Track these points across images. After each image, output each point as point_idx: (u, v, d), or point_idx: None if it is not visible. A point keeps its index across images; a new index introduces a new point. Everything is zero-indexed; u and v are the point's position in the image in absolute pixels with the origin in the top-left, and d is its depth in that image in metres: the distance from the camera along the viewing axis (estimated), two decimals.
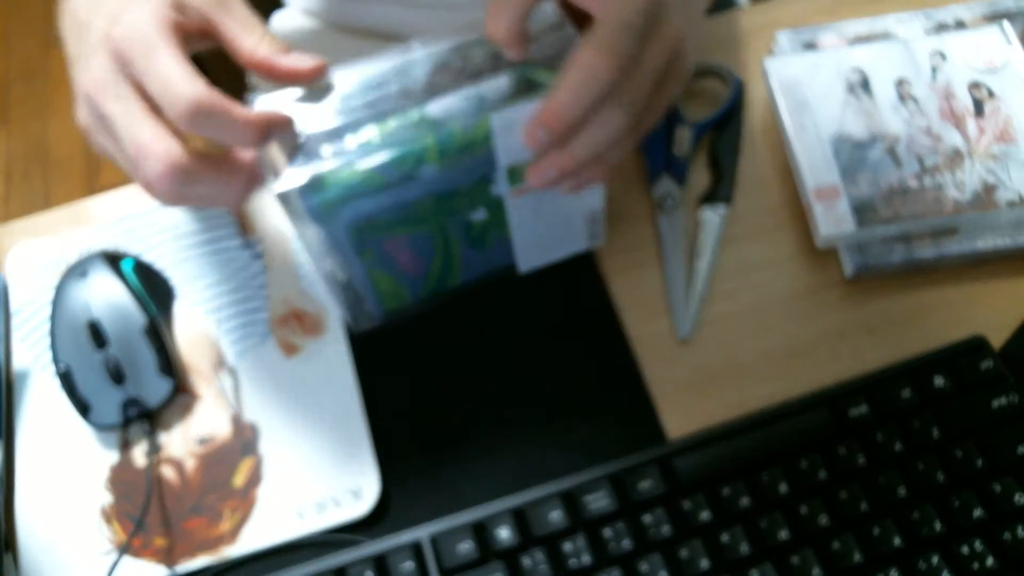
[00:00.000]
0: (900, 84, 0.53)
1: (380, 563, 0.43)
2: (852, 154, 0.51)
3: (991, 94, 0.52)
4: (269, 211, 0.55)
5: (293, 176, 0.37)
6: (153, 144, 0.36)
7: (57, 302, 0.50)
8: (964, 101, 0.52)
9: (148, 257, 0.54)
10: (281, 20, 0.78)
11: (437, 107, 0.39)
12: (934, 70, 0.53)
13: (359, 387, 0.50)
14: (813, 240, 0.52)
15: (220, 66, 0.56)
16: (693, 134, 0.55)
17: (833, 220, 0.50)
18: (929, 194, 0.50)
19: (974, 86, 0.53)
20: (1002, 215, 0.49)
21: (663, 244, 0.52)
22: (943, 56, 0.53)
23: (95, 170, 1.62)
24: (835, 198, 0.50)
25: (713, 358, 0.50)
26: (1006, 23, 0.54)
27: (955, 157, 0.51)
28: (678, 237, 0.52)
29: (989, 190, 0.50)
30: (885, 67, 0.54)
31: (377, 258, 0.44)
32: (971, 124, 0.52)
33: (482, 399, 0.50)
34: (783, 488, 0.44)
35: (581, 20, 0.39)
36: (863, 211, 0.50)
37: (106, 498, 0.48)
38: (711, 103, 0.57)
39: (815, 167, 0.51)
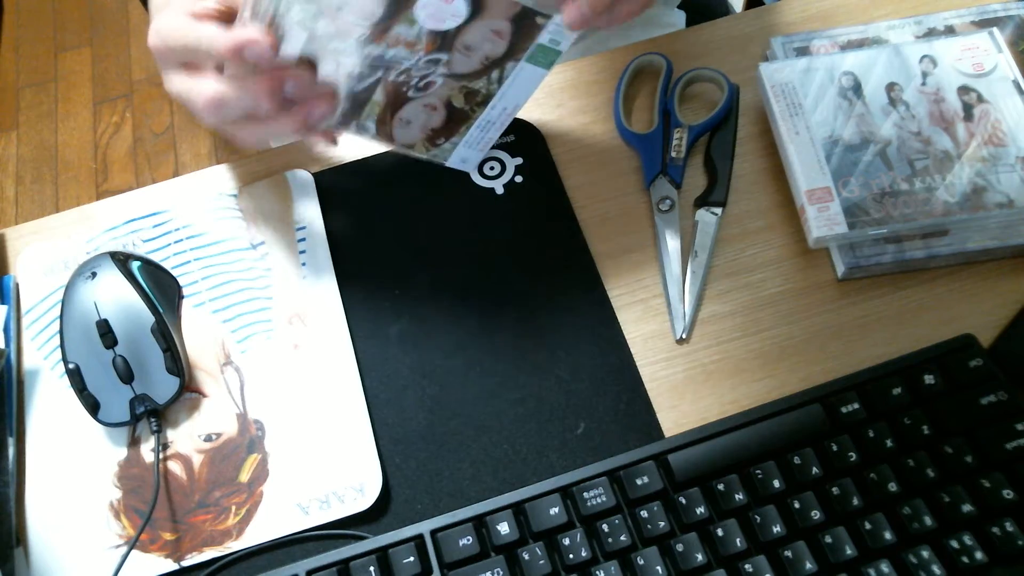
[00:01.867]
0: (891, 88, 0.54)
1: (383, 557, 0.44)
2: (844, 157, 0.52)
3: (980, 98, 0.53)
4: (273, 214, 0.56)
5: None
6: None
7: (67, 302, 0.52)
8: (954, 105, 0.53)
9: (156, 258, 0.55)
10: None
11: None
12: (924, 75, 0.54)
13: (362, 385, 0.51)
14: (806, 241, 0.53)
15: None
16: (689, 138, 0.56)
17: (825, 222, 0.51)
18: (919, 196, 0.51)
19: (964, 91, 0.54)
20: (991, 217, 0.50)
21: (660, 245, 0.53)
22: (934, 61, 0.54)
23: (103, 173, 1.64)
24: (827, 200, 0.51)
25: (708, 357, 0.51)
26: (995, 29, 0.55)
27: (945, 160, 0.52)
28: (675, 238, 0.53)
29: (978, 192, 0.51)
30: (877, 72, 0.55)
31: None
32: (961, 128, 0.53)
33: (482, 398, 0.50)
34: (776, 484, 0.45)
35: None
36: (855, 213, 0.51)
37: (115, 494, 0.49)
38: (707, 108, 0.58)
39: (808, 169, 0.52)
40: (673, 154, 0.56)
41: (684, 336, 0.51)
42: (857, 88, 0.54)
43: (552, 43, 0.46)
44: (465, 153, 0.52)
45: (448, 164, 0.52)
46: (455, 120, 0.50)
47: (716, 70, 0.58)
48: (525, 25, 0.44)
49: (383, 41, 0.43)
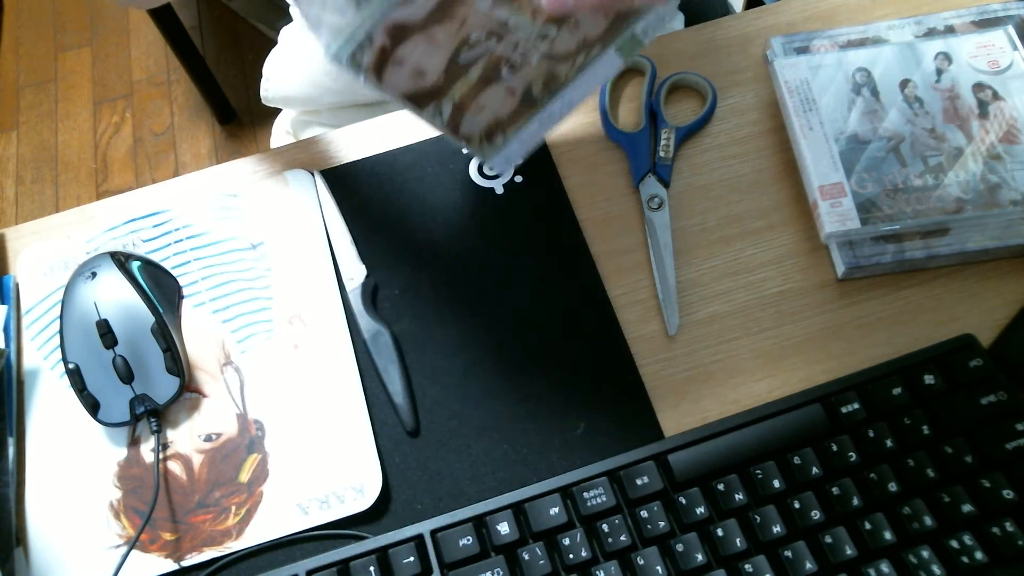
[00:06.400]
0: (905, 85, 0.54)
1: (383, 557, 0.44)
2: (857, 153, 0.52)
3: (996, 96, 0.53)
4: (273, 215, 0.56)
5: None
6: None
7: (67, 302, 0.52)
8: (968, 102, 0.53)
9: (156, 258, 0.55)
10: (289, 32, 0.79)
11: None
12: (939, 72, 0.54)
13: (362, 385, 0.51)
14: (806, 241, 0.53)
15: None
16: (676, 138, 0.56)
17: (838, 217, 0.51)
18: (932, 193, 0.51)
19: (979, 88, 0.54)
20: (1006, 214, 0.50)
21: (650, 243, 0.54)
22: (948, 58, 0.54)
23: (103, 173, 1.64)
24: (840, 196, 0.51)
25: (708, 356, 0.51)
26: (1010, 27, 0.55)
27: (959, 157, 0.52)
28: (665, 236, 0.54)
29: (992, 189, 0.51)
30: (890, 68, 0.55)
31: None
32: (975, 125, 0.53)
33: (482, 398, 0.51)
34: (776, 483, 0.45)
35: None
36: (867, 209, 0.51)
37: (115, 494, 0.49)
38: (693, 109, 0.59)
39: (821, 165, 0.52)
40: (661, 154, 0.56)
41: (676, 332, 0.51)
42: (871, 84, 0.54)
43: (643, 33, 0.43)
44: (512, 151, 0.48)
45: (491, 163, 0.48)
46: (520, 111, 0.46)
47: (699, 75, 0.58)
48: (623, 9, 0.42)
49: (517, 2, 0.40)
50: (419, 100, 0.43)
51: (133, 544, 0.47)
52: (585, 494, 0.45)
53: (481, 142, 0.46)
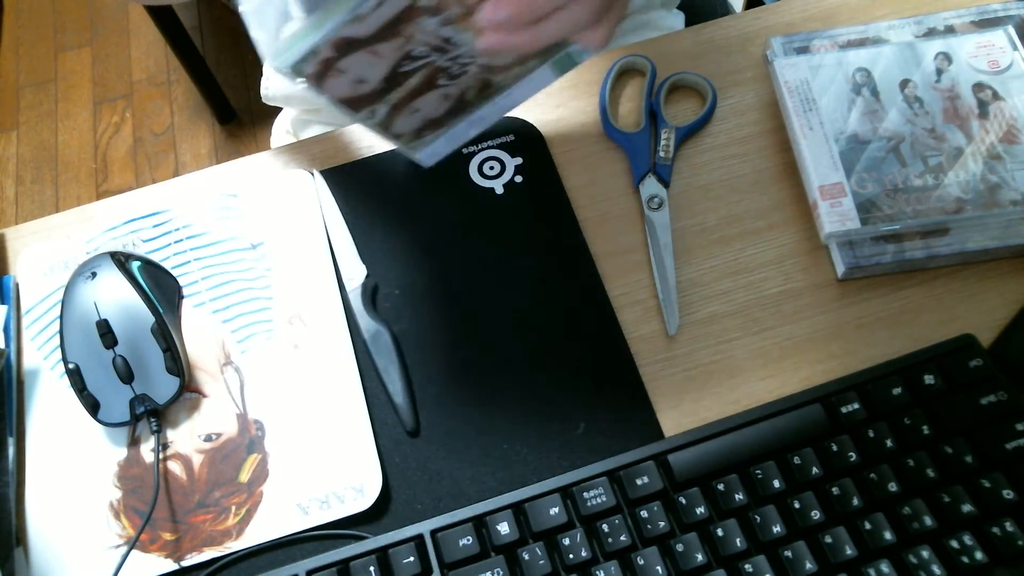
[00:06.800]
0: (905, 85, 0.54)
1: (383, 557, 0.44)
2: (857, 153, 0.52)
3: (996, 96, 0.53)
4: (273, 215, 0.56)
5: None
6: None
7: (67, 302, 0.51)
8: (968, 102, 0.53)
9: (156, 258, 0.55)
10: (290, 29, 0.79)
11: None
12: (939, 72, 0.54)
13: (362, 385, 0.51)
14: (806, 241, 0.53)
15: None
16: (676, 138, 0.56)
17: (838, 217, 0.51)
18: (932, 193, 0.51)
19: (979, 88, 0.54)
20: (1006, 214, 0.50)
21: (650, 243, 0.54)
22: (948, 58, 0.54)
23: (103, 173, 1.64)
24: (840, 196, 0.51)
25: (708, 357, 0.51)
26: (1010, 27, 0.55)
27: (959, 157, 0.52)
28: (666, 236, 0.54)
29: (992, 189, 0.51)
30: (890, 68, 0.55)
31: None
32: (975, 125, 0.53)
33: (482, 398, 0.50)
34: (776, 483, 0.45)
35: None
36: (867, 209, 0.51)
37: (115, 494, 0.49)
38: (693, 109, 0.59)
39: (821, 166, 0.52)
40: (661, 154, 0.56)
41: (677, 332, 0.51)
42: (871, 84, 0.54)
43: (577, 53, 0.44)
44: (439, 147, 0.49)
45: (417, 156, 0.49)
46: (452, 112, 0.47)
47: (699, 75, 0.58)
48: None
49: (463, 23, 0.40)
50: (355, 104, 0.44)
51: (133, 544, 0.47)
52: (585, 494, 0.45)
53: (410, 139, 0.47)
